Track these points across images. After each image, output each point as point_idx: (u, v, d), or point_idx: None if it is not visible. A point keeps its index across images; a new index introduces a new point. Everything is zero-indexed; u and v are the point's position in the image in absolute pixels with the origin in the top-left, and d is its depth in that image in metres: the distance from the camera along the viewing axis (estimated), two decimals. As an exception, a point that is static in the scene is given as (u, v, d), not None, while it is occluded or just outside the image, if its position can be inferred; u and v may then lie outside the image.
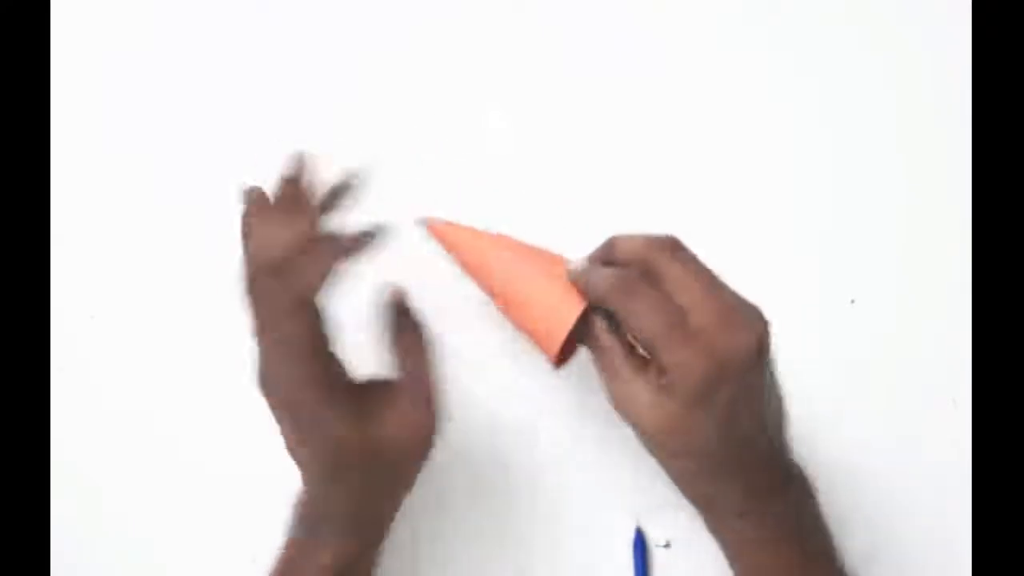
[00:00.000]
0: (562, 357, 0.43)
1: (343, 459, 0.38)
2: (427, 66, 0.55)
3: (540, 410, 0.51)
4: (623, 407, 0.39)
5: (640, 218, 0.52)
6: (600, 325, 0.40)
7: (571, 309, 0.40)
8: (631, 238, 0.40)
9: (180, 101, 0.55)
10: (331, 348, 0.39)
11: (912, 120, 0.54)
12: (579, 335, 0.42)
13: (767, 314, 0.38)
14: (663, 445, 0.39)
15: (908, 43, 0.54)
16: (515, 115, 0.54)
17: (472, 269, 0.44)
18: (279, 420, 0.40)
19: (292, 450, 0.41)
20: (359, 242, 0.39)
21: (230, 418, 0.52)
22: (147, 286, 0.53)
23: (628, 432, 0.47)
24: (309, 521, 0.41)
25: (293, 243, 0.38)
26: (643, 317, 0.37)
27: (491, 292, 0.44)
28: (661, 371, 0.37)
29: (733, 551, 0.42)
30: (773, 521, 0.40)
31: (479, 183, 0.53)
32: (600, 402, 0.50)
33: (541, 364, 0.50)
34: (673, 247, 0.39)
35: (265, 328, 0.38)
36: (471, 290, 0.46)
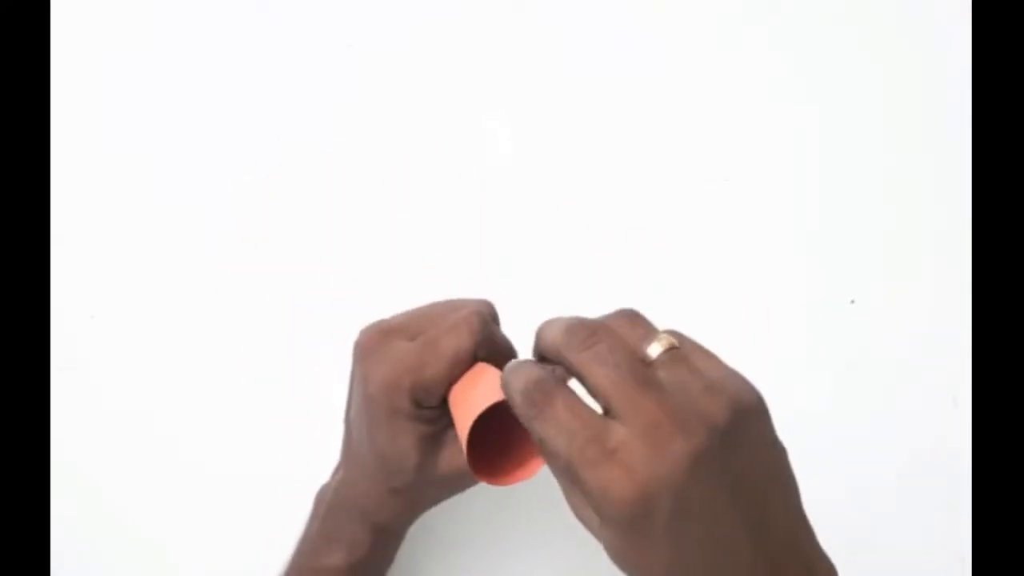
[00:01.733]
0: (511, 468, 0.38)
1: (396, 465, 0.39)
2: (427, 69, 0.55)
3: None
4: (583, 523, 0.33)
5: (640, 219, 0.53)
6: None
7: (481, 404, 0.35)
8: (551, 326, 0.34)
9: (180, 101, 0.55)
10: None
11: (912, 120, 0.54)
12: None
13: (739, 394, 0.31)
14: (623, 566, 0.32)
15: (908, 43, 0.54)
16: (515, 119, 0.54)
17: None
18: (354, 392, 0.40)
19: (349, 421, 0.42)
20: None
21: (230, 418, 0.52)
22: (147, 286, 0.53)
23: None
24: (332, 508, 0.42)
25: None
26: (553, 438, 0.31)
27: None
28: (629, 450, 0.29)
29: None
30: None
31: (479, 184, 0.53)
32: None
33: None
34: (589, 337, 0.32)
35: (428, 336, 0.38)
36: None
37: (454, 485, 0.42)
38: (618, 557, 0.31)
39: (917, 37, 0.54)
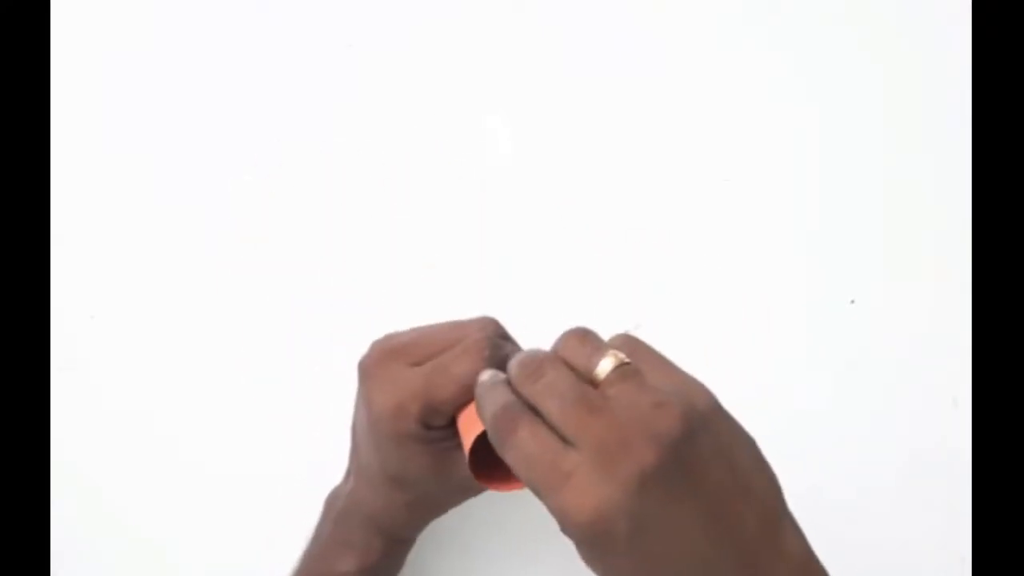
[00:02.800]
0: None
1: (406, 476, 0.40)
2: (427, 69, 0.55)
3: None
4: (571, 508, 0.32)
5: (640, 219, 0.53)
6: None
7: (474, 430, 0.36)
8: (513, 359, 0.34)
9: (180, 101, 0.55)
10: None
11: (912, 120, 0.54)
12: None
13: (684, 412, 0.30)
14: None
15: (908, 43, 0.54)
16: (515, 119, 0.54)
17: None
18: (360, 407, 0.40)
19: (356, 436, 0.42)
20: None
21: (230, 418, 0.52)
22: (147, 286, 0.53)
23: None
24: (343, 515, 0.42)
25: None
26: (517, 463, 0.31)
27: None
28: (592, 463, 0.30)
29: None
30: None
31: (479, 184, 0.53)
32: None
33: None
34: (536, 370, 0.33)
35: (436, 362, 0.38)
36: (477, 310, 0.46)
37: (467, 492, 0.42)
38: (590, 567, 0.31)
39: (917, 37, 0.54)
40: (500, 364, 0.37)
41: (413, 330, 0.41)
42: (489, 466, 0.37)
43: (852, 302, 0.52)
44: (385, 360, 0.39)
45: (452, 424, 0.39)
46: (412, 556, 0.45)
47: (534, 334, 0.45)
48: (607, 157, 0.53)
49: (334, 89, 0.54)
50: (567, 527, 0.30)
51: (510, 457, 0.32)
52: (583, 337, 0.34)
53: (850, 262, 0.52)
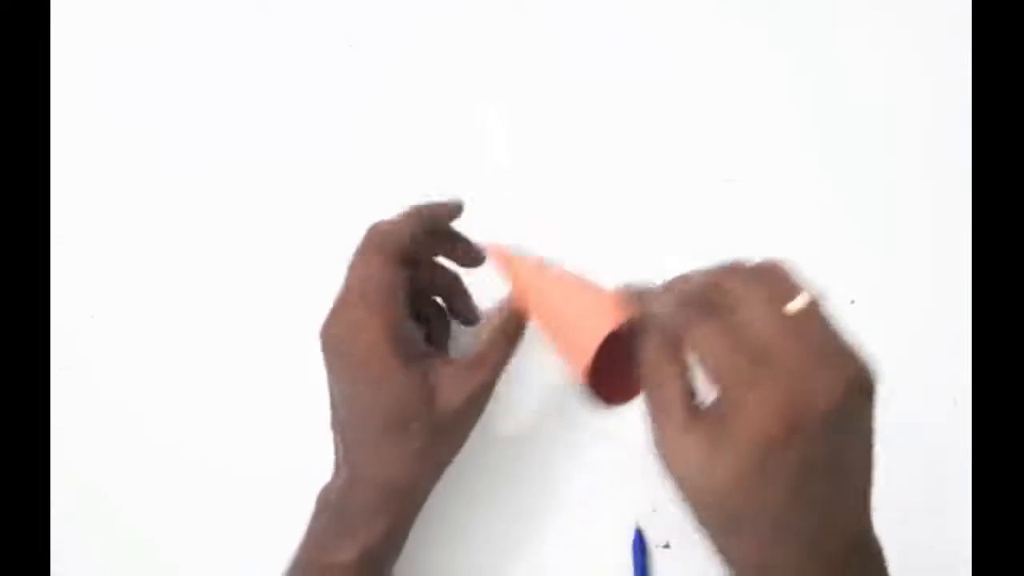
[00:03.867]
0: (609, 389, 0.37)
1: (402, 415, 0.40)
2: (428, 69, 0.55)
3: (540, 410, 0.51)
4: (671, 460, 0.32)
5: (641, 220, 0.53)
6: (654, 348, 0.34)
7: (607, 321, 0.35)
8: (699, 270, 0.35)
9: (180, 101, 0.55)
10: (409, 314, 0.41)
11: (912, 120, 0.54)
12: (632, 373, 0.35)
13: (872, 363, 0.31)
14: (713, 510, 0.32)
15: (908, 43, 0.54)
16: (515, 119, 0.54)
17: (522, 294, 0.42)
18: (338, 378, 0.42)
19: (342, 417, 0.42)
20: (447, 210, 0.43)
21: (230, 418, 0.52)
22: (147, 286, 0.53)
23: (628, 432, 0.47)
24: (342, 511, 0.42)
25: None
26: (711, 342, 0.31)
27: (537, 315, 0.41)
28: (722, 417, 0.31)
29: None
30: None
31: (479, 184, 0.54)
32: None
33: (539, 365, 0.50)
34: (753, 272, 0.34)
35: (355, 278, 0.41)
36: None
37: (464, 423, 0.42)
38: (720, 491, 0.31)
39: (918, 38, 0.54)
40: (401, 252, 0.41)
41: None
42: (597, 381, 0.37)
43: (852, 302, 0.52)
44: (333, 313, 0.42)
45: (427, 341, 0.42)
46: (407, 555, 0.45)
47: (535, 331, 0.45)
48: (608, 157, 0.53)
49: (334, 89, 0.54)
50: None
51: (706, 330, 0.31)
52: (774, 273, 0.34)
53: (850, 262, 0.52)
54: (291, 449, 0.51)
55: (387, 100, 0.54)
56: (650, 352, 0.34)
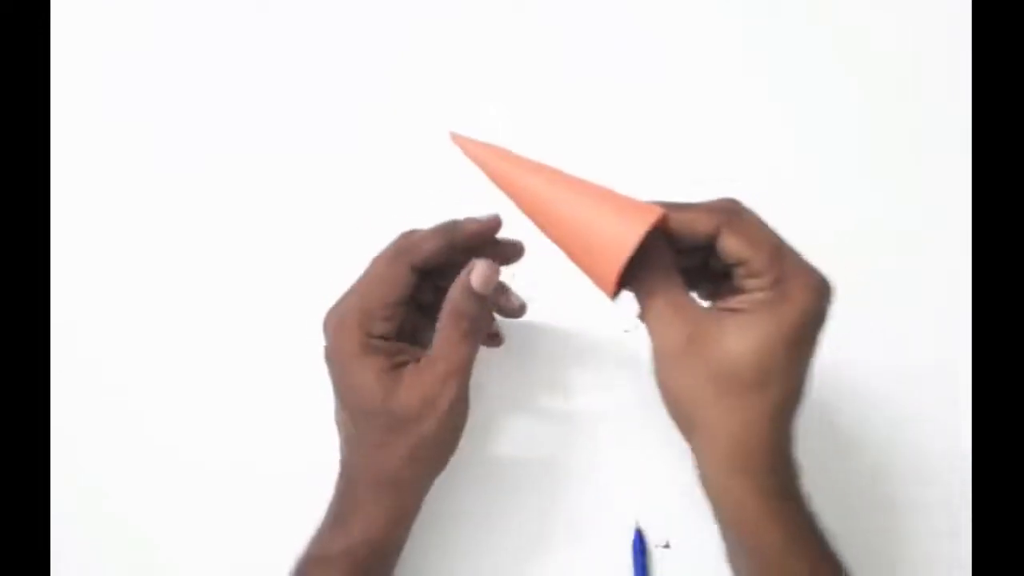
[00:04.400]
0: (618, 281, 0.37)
1: (362, 407, 0.40)
2: (426, 65, 0.55)
3: (539, 411, 0.51)
4: (700, 339, 0.36)
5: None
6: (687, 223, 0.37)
7: (645, 216, 0.35)
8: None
9: (180, 101, 0.55)
10: (400, 314, 0.41)
11: (912, 120, 0.54)
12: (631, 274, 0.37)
13: None
14: (748, 373, 0.35)
15: (908, 43, 0.54)
16: (512, 111, 0.54)
17: (510, 185, 0.39)
18: (327, 366, 0.42)
19: (337, 412, 0.43)
20: (482, 227, 0.43)
21: (231, 417, 0.52)
22: (147, 286, 0.53)
23: (627, 432, 0.48)
24: (338, 504, 0.43)
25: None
26: (754, 233, 0.36)
27: (535, 207, 0.39)
28: (775, 298, 0.35)
29: (757, 542, 0.37)
30: (804, 503, 0.38)
31: (478, 184, 0.53)
32: (600, 402, 0.50)
33: (540, 366, 0.50)
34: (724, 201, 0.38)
35: (363, 274, 0.42)
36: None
37: (423, 419, 0.40)
38: (760, 352, 0.35)
39: (918, 37, 0.54)
40: (412, 255, 0.42)
41: None
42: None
43: (852, 302, 0.52)
44: (334, 304, 0.43)
45: (413, 341, 0.42)
46: (406, 555, 0.45)
47: (535, 332, 0.45)
48: (608, 158, 0.53)
49: (334, 88, 0.54)
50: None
51: (748, 225, 0.36)
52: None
53: (850, 262, 0.52)
54: (291, 449, 0.51)
55: (387, 100, 0.54)
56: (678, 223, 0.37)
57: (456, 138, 0.40)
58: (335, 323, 0.42)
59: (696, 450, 0.37)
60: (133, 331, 0.53)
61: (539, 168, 0.38)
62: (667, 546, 0.50)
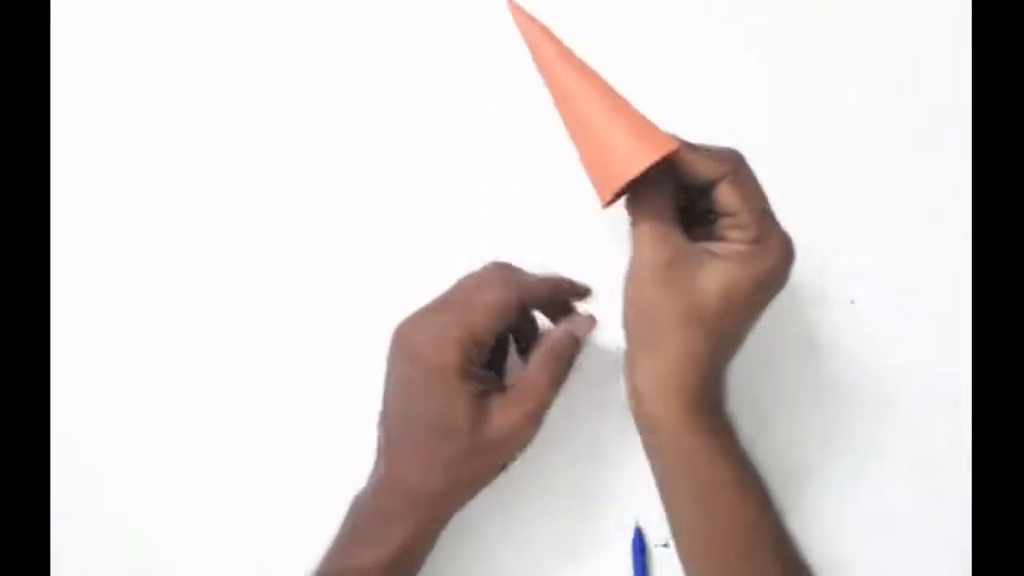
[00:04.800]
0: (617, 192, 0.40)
1: (447, 428, 0.41)
2: (426, 66, 0.55)
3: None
4: (678, 266, 0.39)
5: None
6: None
7: (660, 145, 0.38)
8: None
9: (180, 101, 0.55)
10: (492, 340, 0.42)
11: (912, 120, 0.54)
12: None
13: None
14: (713, 307, 0.39)
15: (908, 43, 0.54)
16: (513, 111, 0.54)
17: (548, 68, 0.41)
18: (398, 377, 0.42)
19: (390, 415, 0.43)
20: (576, 290, 0.46)
21: (231, 417, 0.52)
22: (147, 286, 0.53)
23: (627, 432, 0.47)
24: (370, 517, 0.43)
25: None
26: (752, 189, 0.40)
27: (564, 97, 0.41)
28: (758, 245, 0.39)
29: (686, 460, 0.41)
30: (727, 422, 0.42)
31: (478, 184, 0.53)
32: (599, 401, 0.50)
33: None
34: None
35: (458, 289, 0.43)
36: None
37: (502, 450, 0.42)
38: (736, 289, 0.39)
39: (918, 37, 0.54)
40: (529, 289, 0.43)
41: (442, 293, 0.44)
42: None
43: (852, 302, 0.52)
44: (417, 314, 0.43)
45: (488, 367, 0.42)
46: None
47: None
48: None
49: (335, 88, 0.54)
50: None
51: (753, 180, 0.40)
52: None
53: (850, 262, 0.52)
54: (291, 449, 0.51)
55: (387, 100, 0.54)
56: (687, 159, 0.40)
57: (512, 5, 0.42)
58: (433, 339, 0.41)
59: (637, 364, 0.41)
60: (133, 331, 0.53)
61: (581, 66, 0.41)
62: (667, 546, 0.50)
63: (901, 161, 0.53)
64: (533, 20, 0.41)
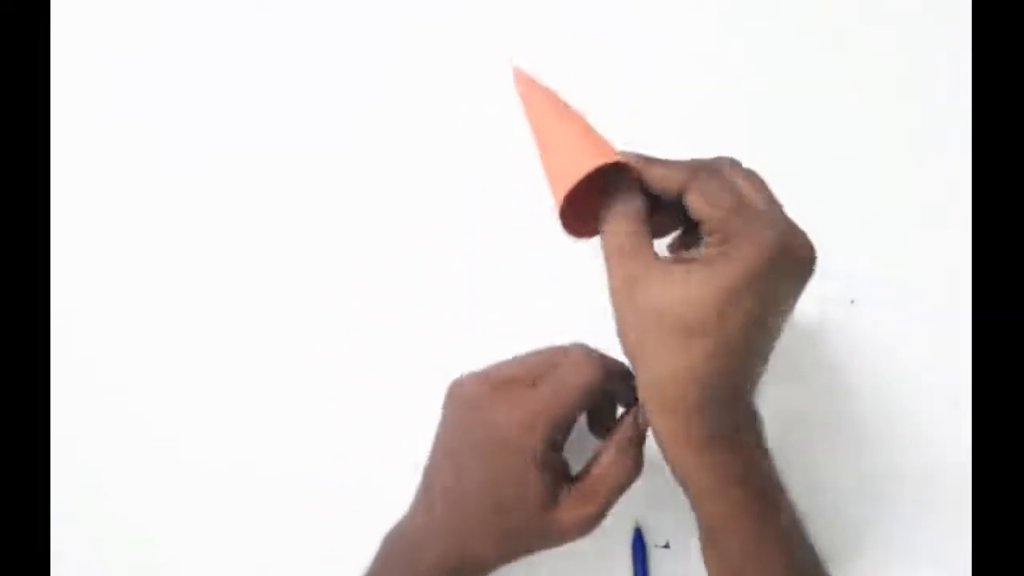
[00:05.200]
0: (581, 223, 0.40)
1: (514, 510, 0.40)
2: (426, 65, 0.55)
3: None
4: (643, 282, 0.37)
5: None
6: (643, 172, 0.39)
7: (596, 158, 0.38)
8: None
9: (180, 101, 0.55)
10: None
11: (912, 120, 0.54)
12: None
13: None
14: (684, 319, 0.36)
15: (908, 43, 0.54)
16: (511, 108, 0.54)
17: (533, 119, 0.42)
18: (467, 445, 0.41)
19: (448, 478, 0.42)
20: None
21: (231, 418, 0.52)
22: (147, 286, 0.53)
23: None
24: (401, 559, 0.42)
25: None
26: (713, 192, 0.37)
27: (538, 141, 0.42)
28: (720, 254, 0.36)
29: (698, 486, 0.38)
30: (741, 456, 0.38)
31: (477, 184, 0.54)
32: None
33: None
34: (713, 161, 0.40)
35: (543, 363, 0.42)
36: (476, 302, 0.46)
37: (552, 538, 0.42)
38: (701, 302, 0.36)
39: (918, 37, 0.54)
40: (609, 374, 0.41)
41: (511, 360, 0.43)
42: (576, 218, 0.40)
43: (852, 302, 0.52)
44: (501, 385, 0.41)
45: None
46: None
47: (535, 331, 0.45)
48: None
49: (335, 89, 0.54)
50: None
51: (708, 183, 0.38)
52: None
53: (850, 262, 0.52)
54: (291, 449, 0.51)
55: (387, 100, 0.54)
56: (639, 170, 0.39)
57: (517, 76, 0.43)
58: (522, 419, 0.40)
59: (639, 383, 0.38)
60: (133, 331, 0.53)
61: (555, 102, 0.41)
62: (667, 546, 0.50)
63: (901, 161, 0.53)
64: (530, 83, 0.42)
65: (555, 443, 0.41)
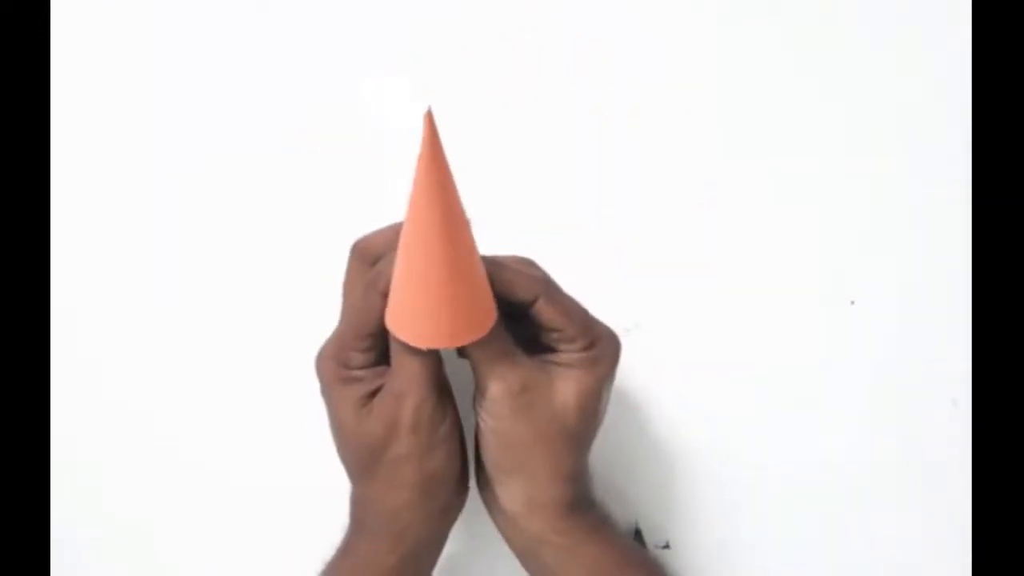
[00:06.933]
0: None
1: (343, 442, 0.41)
2: (425, 65, 0.55)
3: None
4: (532, 388, 0.39)
5: (639, 218, 0.53)
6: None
7: (476, 329, 0.37)
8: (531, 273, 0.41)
9: (180, 101, 0.55)
10: (376, 341, 0.41)
11: (912, 120, 0.54)
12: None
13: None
14: (567, 420, 0.39)
15: (908, 43, 0.54)
16: (514, 113, 0.54)
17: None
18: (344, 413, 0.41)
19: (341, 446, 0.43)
20: None
21: (231, 418, 0.52)
22: (148, 286, 0.53)
23: (625, 433, 0.48)
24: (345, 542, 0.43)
25: None
26: (568, 305, 0.40)
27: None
28: (590, 359, 0.39)
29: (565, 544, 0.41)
30: (607, 526, 0.43)
31: (476, 185, 0.53)
32: (600, 402, 0.50)
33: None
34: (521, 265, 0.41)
35: (343, 304, 0.43)
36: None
37: (394, 440, 0.40)
38: (593, 394, 0.40)
39: (917, 37, 0.54)
40: (374, 282, 0.40)
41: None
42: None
43: (852, 302, 0.52)
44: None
45: (375, 364, 0.40)
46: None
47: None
48: (608, 159, 0.53)
49: (335, 89, 0.54)
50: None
51: (565, 296, 0.40)
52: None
53: (850, 262, 0.52)
54: (291, 450, 0.51)
55: (389, 100, 0.54)
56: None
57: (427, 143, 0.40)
58: (316, 357, 0.41)
59: (507, 488, 0.41)
60: (133, 331, 0.53)
61: (450, 221, 0.39)
62: (667, 546, 0.50)
63: (901, 161, 0.53)
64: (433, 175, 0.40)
65: (349, 362, 0.40)
